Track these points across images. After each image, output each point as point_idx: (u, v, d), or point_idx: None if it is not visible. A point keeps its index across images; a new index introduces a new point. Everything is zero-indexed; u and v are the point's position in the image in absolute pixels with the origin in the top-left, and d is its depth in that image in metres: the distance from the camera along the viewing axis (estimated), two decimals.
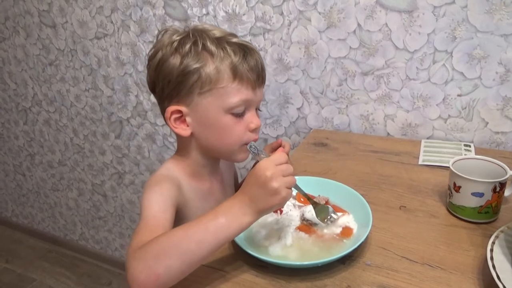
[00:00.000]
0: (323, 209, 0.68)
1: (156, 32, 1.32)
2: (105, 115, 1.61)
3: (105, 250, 2.01)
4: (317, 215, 0.68)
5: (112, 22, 1.40)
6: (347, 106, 1.11)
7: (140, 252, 0.54)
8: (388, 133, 1.09)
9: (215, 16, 1.20)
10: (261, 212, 0.57)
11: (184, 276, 0.55)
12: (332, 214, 0.68)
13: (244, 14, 1.15)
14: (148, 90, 1.46)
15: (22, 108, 1.87)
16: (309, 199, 0.68)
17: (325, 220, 0.68)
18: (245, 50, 0.70)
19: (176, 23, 1.27)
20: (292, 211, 0.72)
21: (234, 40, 0.72)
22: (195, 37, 0.69)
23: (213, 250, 0.56)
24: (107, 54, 1.47)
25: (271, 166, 0.56)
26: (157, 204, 0.65)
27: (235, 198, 0.58)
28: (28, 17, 1.60)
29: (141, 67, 1.42)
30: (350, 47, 1.04)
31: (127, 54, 1.43)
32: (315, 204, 0.68)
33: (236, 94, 0.69)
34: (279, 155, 0.59)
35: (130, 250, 0.56)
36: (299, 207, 0.73)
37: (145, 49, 1.38)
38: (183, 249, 0.54)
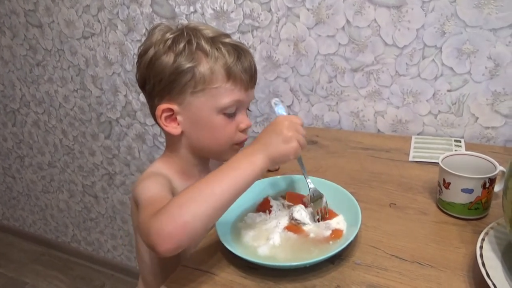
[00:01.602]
0: (317, 198, 0.68)
1: (144, 30, 1.31)
2: (94, 115, 1.59)
3: (97, 252, 2.00)
4: (310, 205, 0.69)
5: (99, 21, 1.38)
6: (337, 103, 1.10)
7: (161, 210, 0.53)
8: (379, 130, 1.08)
9: (203, 14, 1.19)
10: (272, 158, 0.59)
11: (211, 222, 0.55)
12: (325, 206, 0.69)
13: (232, 12, 1.14)
14: (137, 90, 1.45)
15: (10, 109, 1.85)
16: (305, 177, 0.70)
17: (318, 210, 0.68)
18: (239, 51, 0.70)
19: (164, 21, 1.26)
20: (281, 211, 0.71)
21: (228, 40, 0.71)
22: (189, 36, 0.69)
23: (235, 195, 0.56)
24: (94, 54, 1.45)
25: (289, 119, 0.62)
26: (157, 187, 0.65)
27: (247, 146, 0.61)
28: (14, 17, 1.57)
29: (129, 66, 1.40)
30: (339, 44, 1.04)
31: (115, 54, 1.41)
32: (312, 194, 0.69)
33: (229, 95, 0.69)
34: (296, 117, 0.64)
35: (143, 221, 0.55)
36: (288, 206, 0.72)
37: (133, 48, 1.36)
38: (206, 193, 0.54)
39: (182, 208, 0.52)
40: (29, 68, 1.66)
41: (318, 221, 0.68)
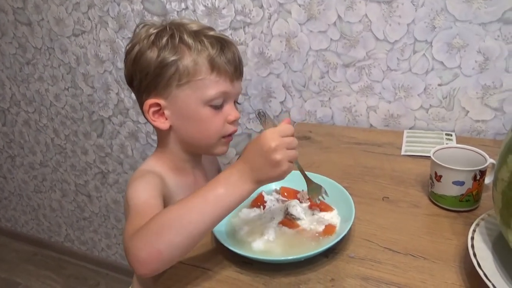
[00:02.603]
0: (316, 188, 0.68)
1: (135, 28, 1.29)
2: (86, 114, 1.58)
3: (91, 251, 1.99)
4: (309, 193, 0.68)
5: (89, 18, 1.37)
6: (329, 98, 1.11)
7: (139, 232, 0.52)
8: (371, 125, 1.09)
9: (194, 11, 1.18)
10: (261, 182, 0.56)
11: (186, 251, 0.54)
12: (324, 195, 0.68)
13: (223, 8, 1.14)
14: (129, 88, 1.44)
15: (0, 109, 1.82)
16: (304, 176, 0.68)
17: (316, 199, 0.68)
18: (222, 43, 0.71)
19: (155, 18, 1.25)
20: (276, 206, 0.71)
21: (211, 33, 0.72)
22: (172, 30, 0.69)
23: (214, 222, 0.54)
24: (85, 52, 1.44)
25: (277, 137, 0.54)
26: (146, 192, 0.64)
27: (234, 166, 0.56)
28: (2, 15, 1.55)
29: (121, 64, 1.39)
30: (331, 39, 1.04)
31: (106, 51, 1.40)
32: (309, 182, 0.68)
33: (214, 86, 0.69)
34: (286, 127, 0.57)
35: (126, 235, 0.54)
36: (283, 201, 0.72)
37: (124, 46, 1.35)
38: (184, 222, 0.52)
39: (158, 236, 0.51)
40: (19, 66, 1.64)
41: (316, 206, 0.68)
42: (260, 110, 0.64)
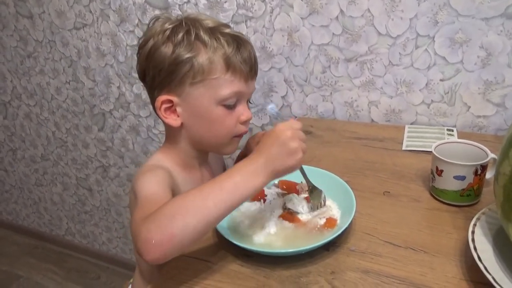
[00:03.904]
0: (317, 195, 0.68)
1: (137, 21, 1.30)
2: (87, 107, 1.58)
3: (92, 245, 1.99)
4: (311, 199, 0.69)
5: (90, 11, 1.37)
6: (331, 93, 1.11)
7: (152, 216, 0.52)
8: (372, 120, 1.09)
9: (196, 4, 1.18)
10: (276, 173, 0.56)
11: (199, 237, 0.53)
12: (325, 200, 0.69)
13: (225, 2, 1.13)
14: (130, 82, 1.44)
15: (1, 102, 1.82)
16: (307, 182, 0.68)
17: (317, 206, 0.68)
18: (238, 42, 0.69)
19: (157, 12, 1.25)
20: (275, 200, 0.71)
21: (227, 31, 0.70)
22: (188, 26, 0.68)
23: (228, 209, 0.54)
24: (87, 45, 1.44)
25: (291, 127, 0.57)
26: (155, 184, 0.64)
27: (249, 158, 0.57)
28: (4, 8, 1.55)
29: (122, 57, 1.39)
30: (333, 34, 1.04)
31: (108, 45, 1.39)
32: (312, 189, 0.68)
33: (229, 86, 0.68)
34: (295, 122, 0.60)
35: (136, 221, 0.53)
36: (283, 195, 0.72)
37: (126, 39, 1.35)
38: (200, 207, 0.52)
39: (172, 219, 0.51)
40: (20, 59, 1.63)
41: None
42: (273, 107, 0.67)
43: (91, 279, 1.88)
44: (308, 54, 1.09)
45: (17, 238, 2.18)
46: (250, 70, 0.70)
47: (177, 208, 0.52)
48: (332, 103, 1.12)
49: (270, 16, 1.09)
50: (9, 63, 1.68)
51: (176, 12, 1.21)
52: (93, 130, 1.63)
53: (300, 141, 0.57)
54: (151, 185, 0.63)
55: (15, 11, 1.53)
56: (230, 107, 0.70)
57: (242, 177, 0.55)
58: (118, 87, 1.46)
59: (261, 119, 1.25)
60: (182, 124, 0.71)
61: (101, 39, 1.40)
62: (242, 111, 0.71)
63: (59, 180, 1.89)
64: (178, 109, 0.69)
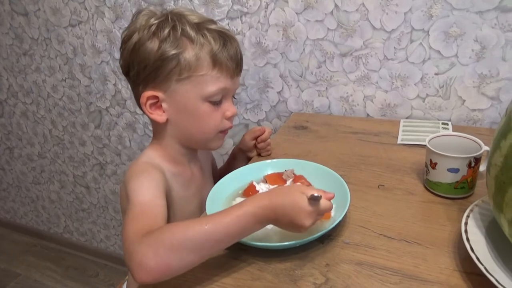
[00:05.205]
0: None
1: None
2: (84, 105, 1.58)
3: (90, 242, 2.00)
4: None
5: (86, 8, 1.36)
6: (326, 88, 1.11)
7: (150, 239, 0.51)
8: (368, 114, 1.09)
9: (191, 0, 1.18)
10: (275, 225, 0.57)
11: (192, 267, 0.54)
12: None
13: None
14: (125, 77, 1.43)
15: None
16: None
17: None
18: (225, 38, 0.69)
19: (152, 8, 1.24)
20: None
21: (213, 26, 0.70)
22: (174, 22, 0.67)
23: (226, 247, 0.56)
24: (82, 42, 1.44)
25: (314, 216, 0.56)
26: (150, 190, 0.63)
27: (262, 208, 0.55)
28: None
29: (118, 54, 1.38)
30: (328, 29, 1.04)
31: (103, 42, 1.39)
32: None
33: (215, 83, 0.68)
34: (329, 204, 0.57)
35: (131, 235, 0.53)
36: None
37: (121, 36, 1.34)
38: (200, 246, 0.52)
39: (171, 251, 0.50)
40: (16, 57, 1.63)
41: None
42: (313, 196, 0.55)
43: (89, 276, 1.88)
44: (304, 49, 1.09)
45: (15, 236, 2.18)
46: (236, 66, 0.71)
47: (177, 241, 0.51)
48: (327, 98, 1.12)
49: (265, 11, 1.09)
50: (5, 61, 1.67)
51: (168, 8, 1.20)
52: (89, 128, 1.63)
53: (315, 219, 0.56)
54: (145, 191, 0.62)
55: (10, 9, 1.52)
56: (216, 103, 0.70)
57: (249, 225, 0.55)
58: (114, 84, 1.46)
59: (257, 114, 1.25)
60: (167, 119, 0.71)
61: (96, 36, 1.39)
62: (227, 107, 0.72)
63: (57, 178, 1.89)
64: (164, 105, 0.69)
